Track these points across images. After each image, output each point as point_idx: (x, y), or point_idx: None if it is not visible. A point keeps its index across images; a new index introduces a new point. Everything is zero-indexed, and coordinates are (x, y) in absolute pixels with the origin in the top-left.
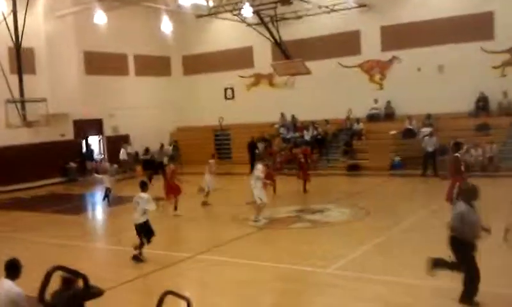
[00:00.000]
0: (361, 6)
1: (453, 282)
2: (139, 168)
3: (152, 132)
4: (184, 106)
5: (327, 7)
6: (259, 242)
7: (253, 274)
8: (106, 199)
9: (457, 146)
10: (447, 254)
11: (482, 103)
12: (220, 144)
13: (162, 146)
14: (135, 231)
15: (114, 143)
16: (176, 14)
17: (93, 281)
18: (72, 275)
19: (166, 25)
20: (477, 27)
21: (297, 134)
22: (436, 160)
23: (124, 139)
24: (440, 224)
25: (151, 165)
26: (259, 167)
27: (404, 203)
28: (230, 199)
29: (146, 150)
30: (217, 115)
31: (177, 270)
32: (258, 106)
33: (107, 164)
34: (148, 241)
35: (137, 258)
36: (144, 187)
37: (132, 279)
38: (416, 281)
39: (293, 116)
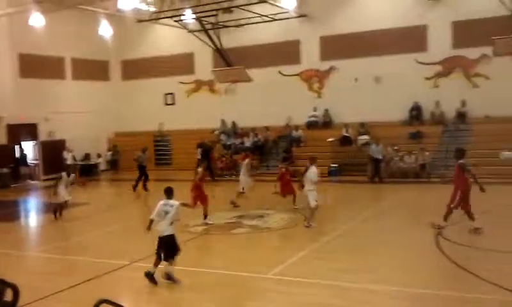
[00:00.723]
0: (301, 16)
1: (388, 285)
2: (76, 174)
3: (89, 137)
4: (123, 111)
5: (268, 16)
6: (198, 248)
7: (191, 281)
8: (58, 213)
9: (460, 152)
10: (378, 256)
11: (416, 113)
12: (160, 149)
13: (144, 149)
14: (158, 245)
15: (50, 148)
16: (116, 18)
17: (24, 292)
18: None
19: (105, 29)
20: (411, 40)
21: (237, 141)
22: (381, 167)
23: (60, 144)
24: (375, 228)
25: (142, 170)
26: (315, 170)
27: (341, 209)
28: None
29: (99, 156)
30: (157, 121)
31: (114, 279)
32: (198, 112)
33: (63, 174)
34: (172, 258)
35: (151, 278)
36: (171, 193)
37: (66, 288)
38: (353, 285)
39: (233, 123)
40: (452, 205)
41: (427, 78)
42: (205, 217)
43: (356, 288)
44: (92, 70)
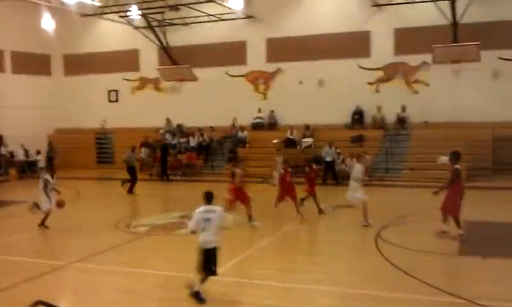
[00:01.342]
0: (248, 17)
1: (333, 286)
2: (13, 171)
3: (28, 133)
4: (65, 107)
5: (215, 15)
6: (140, 249)
7: (131, 282)
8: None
9: (457, 156)
10: (320, 257)
11: (358, 117)
12: (102, 147)
13: (133, 148)
14: (200, 258)
15: None
16: (59, 11)
17: None
18: None
19: (48, 22)
20: (355, 45)
21: (182, 140)
22: (336, 169)
23: None
24: (318, 229)
25: (132, 171)
26: (359, 168)
27: (285, 210)
28: (113, 206)
29: (38, 152)
30: (100, 118)
31: (51, 280)
32: (143, 110)
33: (47, 176)
34: (215, 271)
35: (199, 297)
36: (212, 198)
37: (0, 289)
38: (294, 285)
39: (179, 125)
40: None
41: (370, 83)
42: (250, 218)
43: (298, 289)
44: (33, 63)
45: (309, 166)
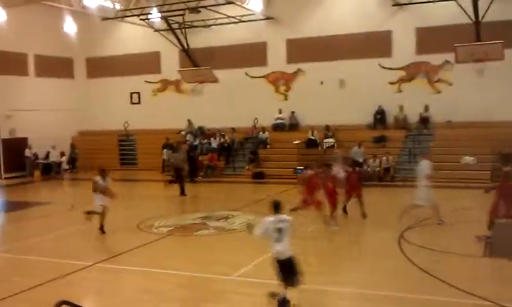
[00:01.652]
0: (268, 18)
1: (347, 287)
2: (37, 173)
3: (52, 135)
4: (87, 110)
5: (235, 17)
6: (162, 249)
7: (154, 283)
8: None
9: (508, 157)
10: (340, 258)
11: (380, 117)
12: (125, 149)
13: (178, 148)
14: (277, 270)
15: (11, 146)
16: (81, 15)
17: None
18: None
19: (70, 26)
20: (376, 45)
21: (204, 141)
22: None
23: (22, 142)
24: (339, 230)
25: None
26: (426, 164)
27: (306, 211)
28: (136, 207)
29: (62, 154)
30: (122, 120)
31: (75, 280)
32: (164, 112)
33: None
34: (296, 282)
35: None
36: (279, 207)
37: (26, 289)
38: (313, 287)
39: (200, 127)
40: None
41: (391, 83)
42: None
43: (316, 290)
44: (56, 67)
45: (350, 169)
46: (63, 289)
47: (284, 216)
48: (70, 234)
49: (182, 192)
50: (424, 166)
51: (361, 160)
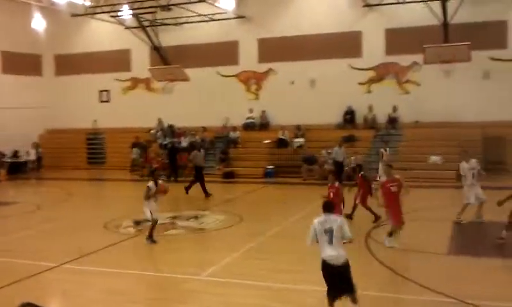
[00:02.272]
0: (240, 17)
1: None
2: (3, 172)
3: (19, 133)
4: (56, 107)
5: (207, 16)
6: (130, 250)
7: (121, 283)
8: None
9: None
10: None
11: (350, 117)
12: (93, 148)
13: (200, 148)
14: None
15: None
16: (50, 11)
17: None
18: None
19: (38, 22)
20: (347, 45)
21: (174, 140)
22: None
23: None
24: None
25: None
26: (463, 165)
27: (276, 210)
28: (104, 206)
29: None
30: (91, 118)
31: (40, 281)
32: (134, 110)
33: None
34: (354, 291)
35: None
36: (330, 207)
37: None
38: (285, 285)
39: (170, 125)
40: None
41: (361, 84)
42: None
43: (287, 289)
44: (23, 64)
45: (358, 175)
46: (28, 291)
47: (334, 216)
48: (36, 234)
49: (205, 193)
50: (462, 167)
51: (341, 160)
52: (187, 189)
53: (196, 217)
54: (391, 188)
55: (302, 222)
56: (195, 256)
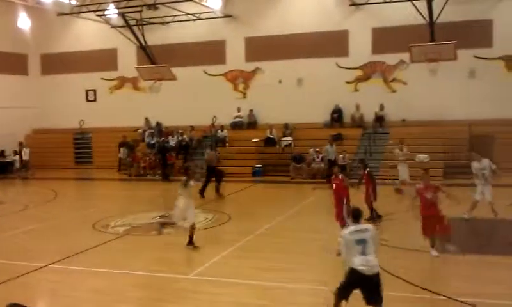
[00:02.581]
0: (227, 16)
1: (310, 284)
2: None
3: (5, 133)
4: (42, 107)
5: (193, 15)
6: (119, 249)
7: (109, 283)
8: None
9: None
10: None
11: (337, 115)
12: (80, 147)
13: (212, 146)
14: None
15: None
16: (36, 10)
17: None
18: None
19: (24, 22)
20: (334, 44)
21: (162, 140)
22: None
23: None
24: (297, 227)
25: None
26: (475, 165)
27: (265, 208)
28: (92, 206)
29: (15, 153)
30: (78, 118)
31: (28, 281)
32: (121, 110)
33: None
34: (381, 302)
35: None
36: (357, 215)
37: None
38: (273, 284)
39: (158, 123)
40: None
41: (348, 82)
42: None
43: (276, 287)
44: (9, 63)
45: (364, 172)
46: (15, 291)
47: (365, 225)
48: (24, 234)
49: (201, 193)
50: (473, 167)
51: (333, 158)
52: (201, 192)
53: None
54: (426, 195)
55: (290, 221)
56: (184, 256)
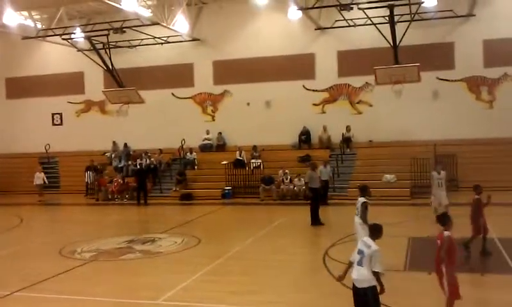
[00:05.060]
0: (194, 39)
1: (275, 305)
2: None
3: None
4: (6, 132)
5: (161, 38)
6: (85, 276)
7: None
8: None
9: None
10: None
11: (305, 137)
12: (46, 172)
13: (314, 166)
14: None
15: None
16: (0, 34)
17: None
18: None
19: None
20: (300, 67)
21: (129, 163)
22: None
23: None
24: (267, 249)
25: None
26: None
27: (234, 231)
28: (58, 231)
29: None
30: (44, 142)
31: None
32: (88, 133)
33: None
34: None
35: None
36: (375, 231)
37: None
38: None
39: (125, 145)
40: None
41: (315, 105)
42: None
43: None
44: None
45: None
46: None
47: (370, 242)
48: None
49: (316, 220)
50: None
51: (327, 179)
52: (316, 220)
53: (153, 241)
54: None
55: (259, 243)
56: (152, 281)
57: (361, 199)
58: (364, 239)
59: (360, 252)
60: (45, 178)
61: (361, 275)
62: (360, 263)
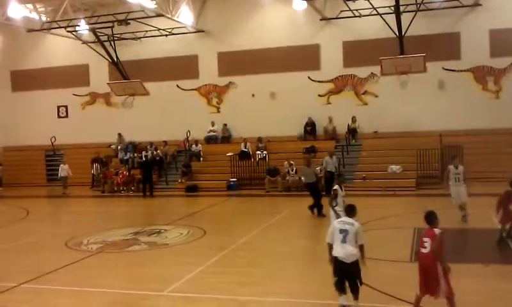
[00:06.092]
0: (199, 31)
1: (281, 296)
2: None
3: None
4: (13, 124)
5: (165, 30)
6: (92, 267)
7: (83, 302)
8: None
9: None
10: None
11: (310, 128)
12: (52, 165)
13: (309, 162)
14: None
15: None
16: (5, 27)
17: None
18: None
19: None
20: (306, 58)
21: (135, 155)
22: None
23: None
24: (272, 240)
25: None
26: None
27: (240, 222)
28: (64, 224)
29: None
30: (49, 134)
31: None
32: (94, 126)
33: None
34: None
35: None
36: (350, 210)
37: None
38: (248, 298)
39: (131, 139)
40: None
41: (320, 96)
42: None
43: (252, 301)
44: None
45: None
46: None
47: (352, 220)
48: None
49: (319, 213)
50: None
51: (333, 170)
52: (318, 214)
53: (159, 232)
54: None
55: (265, 234)
56: (158, 272)
57: (336, 187)
58: (344, 219)
59: (343, 231)
60: (69, 170)
61: (348, 251)
62: (344, 241)
